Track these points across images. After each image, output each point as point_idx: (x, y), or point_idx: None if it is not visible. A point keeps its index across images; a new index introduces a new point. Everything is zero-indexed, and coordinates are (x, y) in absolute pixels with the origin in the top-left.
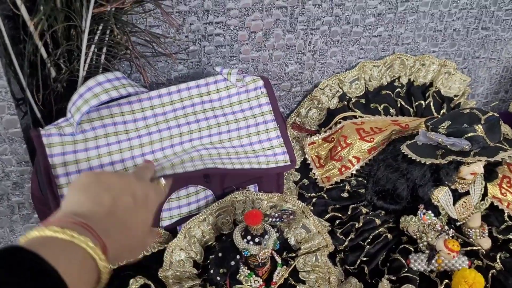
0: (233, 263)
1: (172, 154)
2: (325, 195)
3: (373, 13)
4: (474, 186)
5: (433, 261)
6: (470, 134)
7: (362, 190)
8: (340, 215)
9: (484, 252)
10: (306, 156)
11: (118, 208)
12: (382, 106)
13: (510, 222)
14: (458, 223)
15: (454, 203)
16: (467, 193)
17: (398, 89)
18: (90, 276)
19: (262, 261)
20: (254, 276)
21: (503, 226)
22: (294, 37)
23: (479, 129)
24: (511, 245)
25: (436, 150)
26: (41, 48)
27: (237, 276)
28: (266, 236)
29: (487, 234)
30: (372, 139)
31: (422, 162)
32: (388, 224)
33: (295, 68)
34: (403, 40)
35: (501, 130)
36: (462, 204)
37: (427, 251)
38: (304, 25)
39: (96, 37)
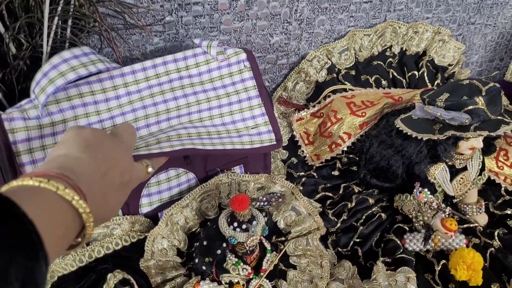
0: (219, 251)
1: (148, 135)
2: (315, 174)
3: None
4: (472, 161)
5: (429, 240)
6: (470, 107)
7: (354, 168)
8: (331, 194)
9: (481, 229)
10: (294, 132)
11: (107, 178)
12: (373, 78)
13: (507, 196)
14: (454, 200)
15: (451, 180)
16: (465, 168)
17: (390, 59)
18: (69, 229)
19: (250, 249)
20: (242, 264)
21: (499, 201)
22: (279, 4)
23: (480, 101)
24: (509, 221)
25: (434, 124)
26: None
27: (224, 265)
28: (254, 222)
29: (483, 210)
30: (363, 114)
31: (419, 137)
32: (382, 203)
33: (281, 39)
34: (395, 6)
35: (502, 102)
36: (460, 180)
37: (423, 231)
38: None
39: (59, 8)
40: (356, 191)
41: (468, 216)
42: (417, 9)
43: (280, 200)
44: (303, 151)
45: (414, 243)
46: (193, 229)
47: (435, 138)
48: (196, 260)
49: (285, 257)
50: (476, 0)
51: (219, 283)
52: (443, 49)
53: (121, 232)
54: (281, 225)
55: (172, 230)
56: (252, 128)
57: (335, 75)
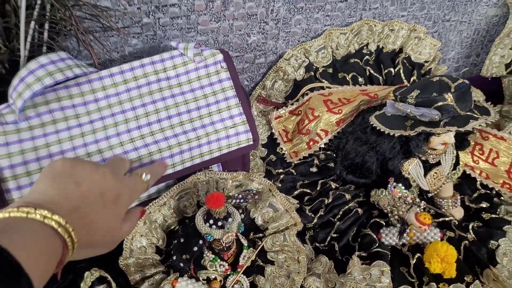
0: (195, 248)
1: (128, 141)
2: (293, 171)
3: None
4: (445, 156)
5: (404, 234)
6: (440, 104)
7: (331, 164)
8: (309, 191)
9: (457, 223)
10: (273, 130)
11: (85, 204)
12: (350, 75)
13: (483, 190)
14: (429, 195)
15: (425, 175)
16: (438, 163)
17: (367, 57)
18: (51, 254)
19: (227, 245)
20: (219, 260)
21: (475, 195)
22: (255, 5)
23: (449, 98)
24: (483, 214)
25: (405, 121)
26: None
27: (202, 261)
28: (230, 219)
29: (459, 204)
30: (340, 111)
31: (391, 134)
32: (359, 199)
33: (258, 38)
34: (370, 5)
35: (472, 98)
36: (433, 175)
37: (398, 225)
38: None
39: (35, 12)
40: (334, 187)
41: (443, 210)
42: (392, 8)
43: (256, 197)
44: (282, 148)
45: (390, 237)
46: (172, 227)
47: (407, 134)
48: (174, 258)
49: (263, 253)
50: None
51: (197, 279)
52: (419, 46)
53: None
54: (259, 221)
55: (151, 229)
56: (230, 128)
57: (312, 73)
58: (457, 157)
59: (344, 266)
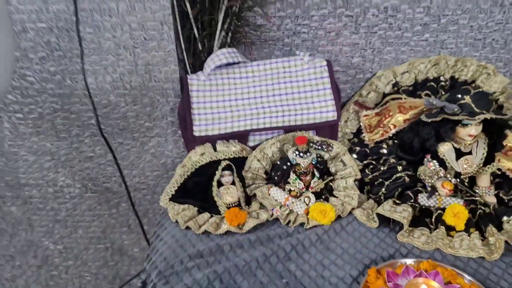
0: (285, 167)
1: (260, 102)
2: (367, 150)
3: (419, 23)
4: (476, 148)
5: (433, 196)
6: (460, 102)
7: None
8: (374, 162)
9: (483, 202)
10: (361, 124)
11: None
12: (424, 93)
13: None
14: (462, 177)
15: (457, 159)
16: (470, 153)
17: (442, 83)
18: None
19: (305, 170)
20: (298, 180)
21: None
22: (358, 37)
23: (467, 98)
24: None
25: (438, 114)
26: (194, 30)
27: (288, 179)
28: (308, 154)
29: (493, 193)
30: (407, 113)
31: (423, 120)
32: (408, 172)
33: (359, 60)
34: (446, 45)
35: (492, 103)
36: (464, 161)
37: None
38: (365, 29)
39: (225, 26)
40: (391, 162)
41: (478, 195)
42: (465, 49)
43: (330, 148)
44: (364, 136)
45: (424, 199)
46: (276, 161)
47: (434, 119)
48: (272, 173)
49: (331, 191)
50: None
51: (283, 190)
52: (489, 80)
53: (235, 150)
54: (332, 170)
55: (262, 157)
56: (323, 107)
57: (397, 89)
58: (492, 155)
59: None
